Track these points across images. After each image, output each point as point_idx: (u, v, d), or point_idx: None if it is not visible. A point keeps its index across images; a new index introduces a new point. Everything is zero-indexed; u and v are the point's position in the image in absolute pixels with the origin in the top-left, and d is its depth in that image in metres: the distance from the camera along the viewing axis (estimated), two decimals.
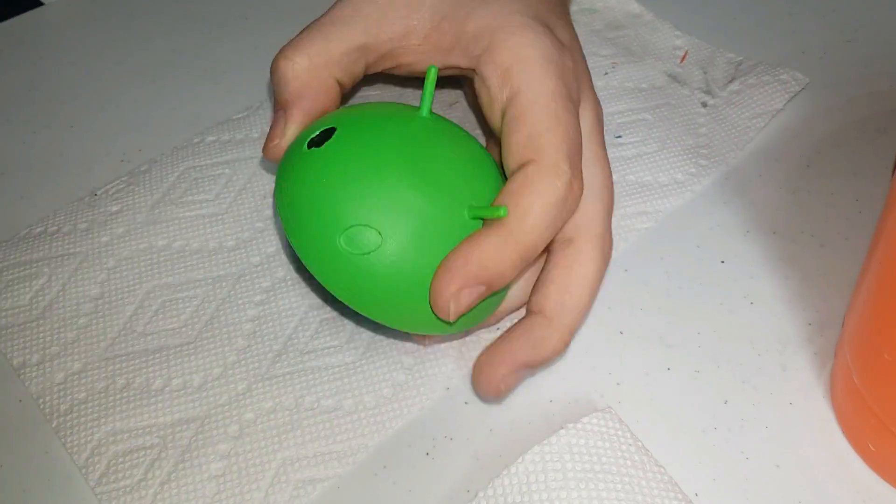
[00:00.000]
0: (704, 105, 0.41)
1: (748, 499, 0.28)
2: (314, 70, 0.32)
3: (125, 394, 0.32)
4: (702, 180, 0.37)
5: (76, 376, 0.33)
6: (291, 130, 0.32)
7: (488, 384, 0.29)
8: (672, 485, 0.27)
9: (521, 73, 0.29)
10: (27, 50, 0.48)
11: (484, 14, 0.31)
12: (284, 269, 0.36)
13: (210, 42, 0.48)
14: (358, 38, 0.32)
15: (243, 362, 0.33)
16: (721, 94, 0.41)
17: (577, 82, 0.31)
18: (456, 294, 0.27)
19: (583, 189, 0.29)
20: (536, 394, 0.31)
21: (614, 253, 0.35)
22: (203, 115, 0.43)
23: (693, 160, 0.38)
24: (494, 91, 0.30)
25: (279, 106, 0.32)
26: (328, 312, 0.34)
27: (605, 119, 0.40)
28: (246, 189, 0.39)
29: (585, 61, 0.34)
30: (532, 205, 0.27)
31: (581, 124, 0.31)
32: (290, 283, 0.35)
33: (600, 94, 0.41)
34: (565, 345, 0.30)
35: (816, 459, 0.29)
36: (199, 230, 0.38)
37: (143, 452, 0.31)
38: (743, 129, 0.39)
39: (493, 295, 0.29)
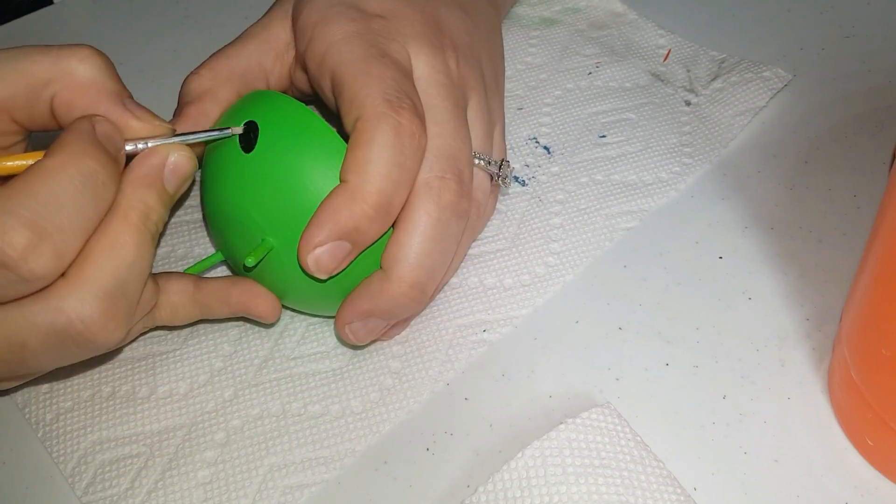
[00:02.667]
0: (688, 103, 0.41)
1: (747, 493, 0.28)
2: (215, 81, 0.33)
3: (111, 402, 0.32)
4: (686, 179, 0.38)
5: (61, 385, 0.33)
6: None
7: (339, 331, 0.32)
8: (671, 479, 0.28)
9: (333, 55, 0.31)
10: None
11: (310, 10, 0.33)
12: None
13: (211, 43, 0.47)
14: (253, 57, 0.34)
15: (230, 369, 0.33)
16: (704, 92, 0.41)
17: (395, 40, 0.32)
18: (314, 255, 0.29)
19: (422, 123, 0.30)
20: (536, 389, 0.32)
21: (609, 249, 0.36)
22: None
23: (677, 159, 0.38)
24: (322, 82, 0.32)
25: (178, 109, 0.33)
26: (314, 318, 0.35)
27: (588, 119, 0.40)
28: None
29: (437, 9, 0.34)
30: (367, 154, 0.28)
31: (414, 79, 0.31)
32: None
33: (584, 95, 0.41)
34: (410, 297, 0.30)
35: (814, 454, 0.29)
36: (186, 236, 0.38)
37: (130, 461, 0.31)
38: (726, 126, 0.39)
39: (367, 259, 0.30)
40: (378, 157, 0.28)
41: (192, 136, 0.30)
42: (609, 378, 0.32)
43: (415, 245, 0.30)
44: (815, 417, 0.30)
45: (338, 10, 0.32)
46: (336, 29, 0.32)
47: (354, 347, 0.33)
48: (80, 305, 0.26)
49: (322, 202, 0.29)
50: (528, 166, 0.39)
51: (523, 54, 0.44)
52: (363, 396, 0.32)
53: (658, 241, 0.36)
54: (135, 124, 0.29)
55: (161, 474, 0.30)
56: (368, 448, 0.31)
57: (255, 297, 0.32)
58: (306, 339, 0.34)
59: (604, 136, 0.40)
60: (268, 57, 0.34)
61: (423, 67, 0.32)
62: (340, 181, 0.29)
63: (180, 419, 0.32)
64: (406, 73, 0.31)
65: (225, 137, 0.31)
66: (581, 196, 0.37)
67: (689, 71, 0.42)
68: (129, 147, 0.29)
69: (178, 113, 0.33)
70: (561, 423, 0.29)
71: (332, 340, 0.34)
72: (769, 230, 0.36)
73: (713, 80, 0.41)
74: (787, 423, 0.30)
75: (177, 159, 0.29)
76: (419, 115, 0.30)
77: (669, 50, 0.43)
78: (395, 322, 0.33)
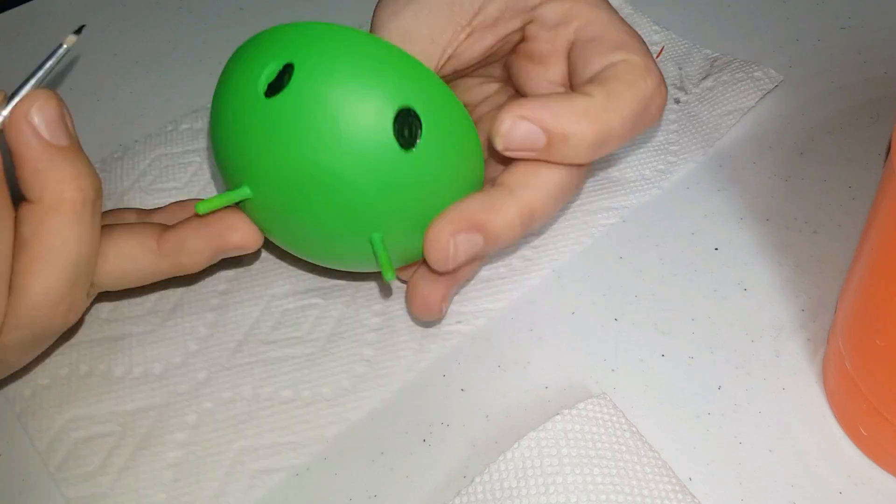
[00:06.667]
0: (677, 101, 0.40)
1: (741, 483, 0.29)
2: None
3: (87, 380, 0.33)
4: (669, 177, 0.37)
5: (40, 362, 0.33)
6: None
7: (437, 242, 0.27)
8: (666, 470, 0.28)
9: (584, 10, 0.30)
10: (24, 41, 0.48)
11: None
12: (248, 259, 0.36)
13: (206, 33, 0.48)
14: (422, 51, 0.30)
15: (204, 352, 0.33)
16: (694, 90, 0.41)
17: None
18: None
19: (665, 103, 0.29)
20: (532, 380, 0.32)
21: (605, 240, 0.36)
22: (199, 105, 0.43)
23: (662, 157, 0.38)
24: (559, 30, 0.30)
25: None
26: (290, 303, 0.35)
27: None
28: (216, 177, 0.39)
29: None
30: (622, 92, 0.27)
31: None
32: (253, 272, 0.36)
33: None
34: (521, 222, 0.28)
35: (809, 444, 0.29)
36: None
37: (103, 439, 0.31)
38: (713, 126, 0.39)
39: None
40: (631, 100, 0.27)
41: (35, 76, 0.26)
42: (605, 369, 0.32)
43: (551, 182, 0.28)
44: (810, 407, 0.30)
45: None
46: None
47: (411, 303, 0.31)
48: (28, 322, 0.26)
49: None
50: None
51: None
52: (335, 383, 0.32)
53: (654, 233, 0.36)
54: None
55: (132, 454, 0.31)
56: (365, 439, 0.31)
57: (231, 228, 0.29)
58: (282, 323, 0.34)
59: None
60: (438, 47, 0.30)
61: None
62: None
63: (153, 400, 0.32)
64: None
65: (62, 52, 0.27)
66: None
67: (680, 68, 0.42)
68: None
69: None
70: (557, 413, 0.29)
71: (307, 326, 0.34)
72: (765, 221, 0.36)
73: (704, 78, 0.41)
74: (782, 413, 0.30)
75: (41, 106, 0.25)
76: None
77: (663, 47, 0.43)
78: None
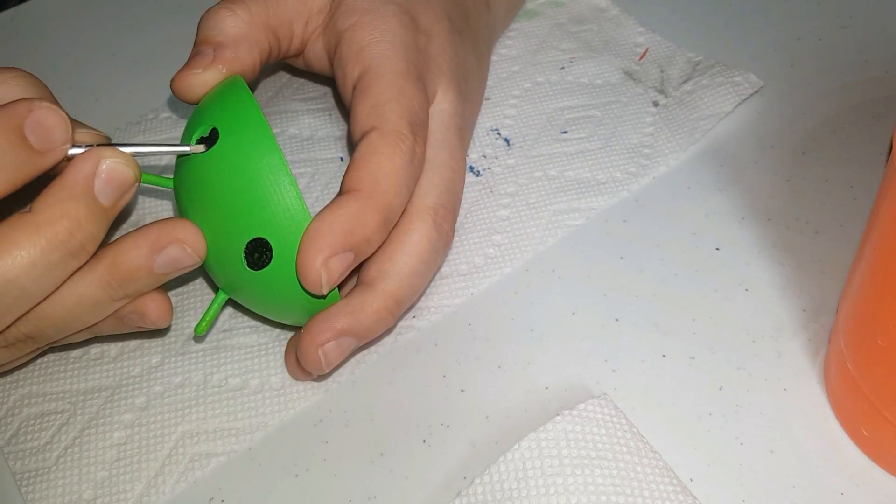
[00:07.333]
0: (656, 104, 0.40)
1: (742, 484, 0.29)
2: (253, 27, 0.32)
3: (44, 359, 0.33)
4: (640, 180, 0.37)
5: None
6: (215, 71, 0.31)
7: (307, 354, 0.29)
8: (667, 470, 0.28)
9: (373, 53, 0.31)
10: (22, 41, 0.48)
11: None
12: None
13: None
14: (289, 13, 0.33)
15: (160, 337, 0.34)
16: (674, 93, 0.40)
17: (431, 69, 0.32)
18: (325, 263, 0.27)
19: (425, 156, 0.30)
20: (532, 381, 0.32)
21: (606, 240, 0.36)
22: None
23: (634, 160, 0.38)
24: (348, 68, 0.31)
25: (207, 46, 0.31)
26: None
27: (553, 114, 0.40)
28: None
29: (466, 56, 0.35)
30: (382, 167, 0.28)
31: (434, 111, 0.32)
32: None
33: (553, 89, 0.41)
34: (389, 312, 0.30)
35: (810, 444, 0.29)
36: (139, 204, 0.38)
37: (54, 417, 0.32)
38: (689, 130, 0.39)
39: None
40: (394, 173, 0.28)
41: (144, 148, 0.28)
42: (605, 369, 0.32)
43: (409, 263, 0.30)
44: (811, 408, 0.30)
45: (392, 9, 0.32)
46: (386, 28, 0.31)
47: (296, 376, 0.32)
48: None
49: (329, 208, 0.28)
50: (485, 157, 0.39)
51: (499, 46, 0.43)
52: (283, 374, 0.33)
53: (655, 233, 0.36)
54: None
55: (80, 432, 0.31)
56: (364, 440, 0.31)
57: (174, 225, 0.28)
58: (239, 311, 0.35)
59: (565, 132, 0.39)
60: (301, 18, 0.34)
61: (448, 106, 0.32)
62: (346, 189, 0.28)
63: (106, 381, 0.33)
64: (428, 105, 0.31)
65: (184, 154, 0.29)
66: (532, 190, 0.37)
67: (662, 71, 0.41)
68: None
69: (203, 54, 0.31)
70: (557, 414, 0.29)
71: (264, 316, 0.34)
72: (766, 221, 0.36)
73: (684, 82, 0.41)
74: (783, 413, 0.30)
75: (111, 166, 0.26)
76: (424, 147, 0.30)
77: (647, 49, 0.42)
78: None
